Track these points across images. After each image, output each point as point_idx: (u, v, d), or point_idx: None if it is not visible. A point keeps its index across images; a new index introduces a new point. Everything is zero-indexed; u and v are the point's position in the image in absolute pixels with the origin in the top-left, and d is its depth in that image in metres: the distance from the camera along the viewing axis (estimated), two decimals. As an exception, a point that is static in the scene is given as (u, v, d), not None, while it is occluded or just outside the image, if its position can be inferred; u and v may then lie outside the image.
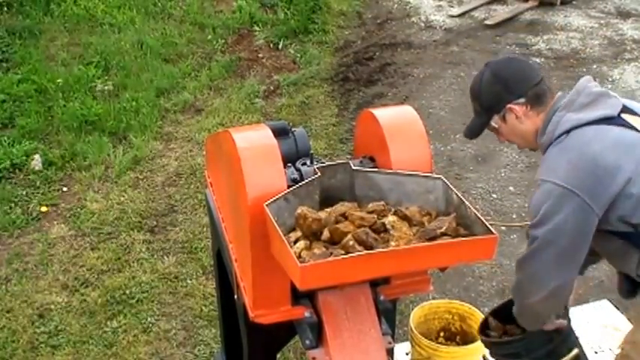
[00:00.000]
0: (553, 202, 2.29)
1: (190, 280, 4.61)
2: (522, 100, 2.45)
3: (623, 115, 2.40)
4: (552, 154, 2.38)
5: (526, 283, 2.45)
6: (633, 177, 2.28)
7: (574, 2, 8.80)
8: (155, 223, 5.14)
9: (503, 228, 4.86)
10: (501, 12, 8.49)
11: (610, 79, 6.92)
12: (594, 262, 2.77)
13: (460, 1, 8.86)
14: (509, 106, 2.46)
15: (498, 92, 2.48)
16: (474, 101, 2.57)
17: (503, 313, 2.73)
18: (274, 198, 2.21)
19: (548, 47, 7.61)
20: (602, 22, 8.27)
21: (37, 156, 5.74)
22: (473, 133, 2.63)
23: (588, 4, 8.77)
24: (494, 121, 2.52)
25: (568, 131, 2.36)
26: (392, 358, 2.55)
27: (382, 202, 2.35)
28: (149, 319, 4.33)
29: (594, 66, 7.22)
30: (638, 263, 2.42)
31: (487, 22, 8.19)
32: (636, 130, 2.37)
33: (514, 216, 5.09)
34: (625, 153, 2.31)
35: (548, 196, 2.30)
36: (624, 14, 8.44)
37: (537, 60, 7.29)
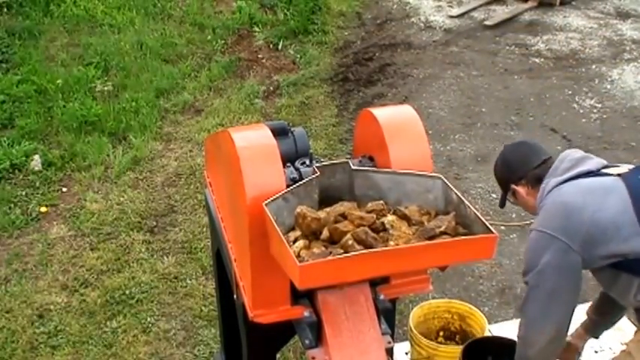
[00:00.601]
0: (535, 247, 2.57)
1: (190, 280, 4.61)
2: (523, 181, 2.74)
3: (605, 170, 2.66)
4: (538, 214, 2.66)
5: (529, 332, 2.63)
6: (598, 210, 2.51)
7: (573, 3, 8.81)
8: (155, 223, 5.15)
9: (502, 228, 4.86)
10: (501, 12, 8.50)
11: (609, 80, 6.92)
12: (608, 323, 3.05)
13: (460, 1, 8.86)
14: (512, 186, 2.78)
15: (504, 175, 2.83)
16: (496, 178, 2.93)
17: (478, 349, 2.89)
18: (273, 197, 2.20)
19: (547, 48, 7.61)
20: (601, 22, 8.28)
21: (36, 156, 5.74)
22: (501, 204, 2.95)
23: (587, 5, 8.78)
24: (509, 196, 2.84)
25: (549, 191, 2.63)
26: (391, 357, 2.55)
27: (381, 202, 2.35)
28: (149, 319, 4.33)
29: (593, 66, 7.22)
30: (637, 289, 2.56)
31: (486, 22, 8.19)
32: (613, 175, 2.61)
33: (513, 215, 5.08)
34: (590, 193, 2.56)
35: (531, 243, 2.60)
36: (623, 15, 8.44)
37: (536, 60, 7.30)
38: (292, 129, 2.67)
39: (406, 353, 3.40)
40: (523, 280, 2.63)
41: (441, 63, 7.29)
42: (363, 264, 2.01)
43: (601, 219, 2.50)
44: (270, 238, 2.17)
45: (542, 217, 2.60)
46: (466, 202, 2.24)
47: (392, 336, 2.50)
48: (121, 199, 5.37)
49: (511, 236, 4.88)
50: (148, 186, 5.55)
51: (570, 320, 2.63)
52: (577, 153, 2.73)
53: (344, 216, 2.27)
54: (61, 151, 5.87)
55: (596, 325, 3.03)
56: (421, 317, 3.33)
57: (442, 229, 2.21)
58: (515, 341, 2.88)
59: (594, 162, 2.69)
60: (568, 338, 2.85)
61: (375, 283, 2.42)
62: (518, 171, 2.78)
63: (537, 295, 2.56)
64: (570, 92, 6.70)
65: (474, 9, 8.59)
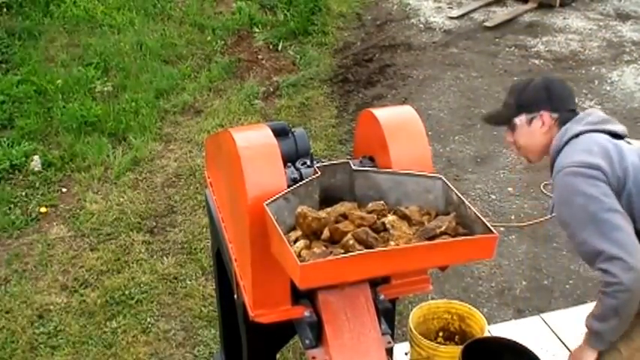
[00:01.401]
0: (576, 182, 2.45)
1: (190, 280, 4.61)
2: (555, 114, 2.66)
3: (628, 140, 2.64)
4: (563, 153, 2.56)
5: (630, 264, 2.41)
6: (630, 172, 2.48)
7: (573, 4, 8.82)
8: (154, 223, 5.15)
9: (501, 229, 4.87)
10: (500, 14, 8.50)
11: (609, 81, 6.93)
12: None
13: (459, 2, 8.87)
14: (542, 112, 2.67)
15: (541, 97, 2.68)
16: (512, 95, 2.77)
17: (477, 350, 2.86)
18: (274, 197, 2.21)
19: (547, 49, 7.62)
20: (601, 24, 8.28)
21: (36, 157, 5.74)
22: (495, 120, 2.89)
23: (587, 6, 8.79)
24: (520, 119, 2.71)
25: (577, 135, 2.58)
26: (391, 357, 2.55)
27: (382, 202, 2.36)
28: (148, 319, 4.33)
29: (593, 68, 7.23)
30: None
31: (486, 23, 8.20)
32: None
33: (512, 217, 5.09)
34: (625, 152, 2.52)
35: (570, 178, 2.47)
36: (623, 16, 8.45)
37: (536, 62, 7.30)
38: (293, 129, 2.68)
39: (406, 353, 3.40)
40: (560, 220, 2.55)
41: (441, 64, 7.30)
42: (363, 264, 2.01)
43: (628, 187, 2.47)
44: (271, 237, 2.17)
45: (580, 154, 2.50)
46: (466, 202, 2.24)
47: (392, 336, 2.50)
48: (121, 199, 5.37)
49: (510, 237, 4.89)
50: (148, 187, 5.56)
51: None
52: (602, 113, 2.71)
53: (345, 216, 2.28)
54: (60, 152, 5.87)
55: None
56: (421, 318, 3.33)
57: (442, 229, 2.21)
58: (515, 342, 2.89)
59: (621, 127, 2.66)
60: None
61: (375, 284, 2.42)
62: (557, 102, 2.69)
63: (607, 221, 2.41)
64: (570, 93, 6.70)
65: (474, 10, 8.60)
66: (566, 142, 2.60)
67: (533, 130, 2.69)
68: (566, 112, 2.66)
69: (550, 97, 2.68)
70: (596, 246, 2.42)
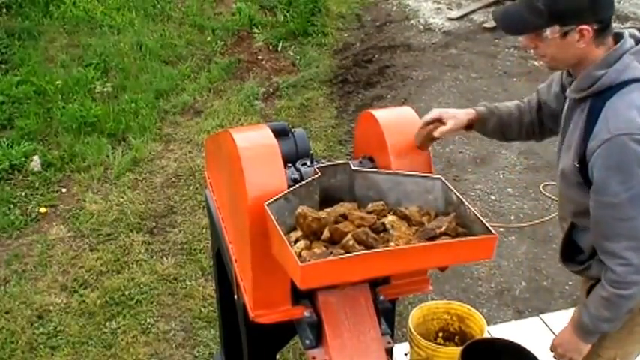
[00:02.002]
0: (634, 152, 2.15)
1: (189, 281, 4.61)
2: (596, 26, 2.18)
3: None
4: (621, 100, 2.19)
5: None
6: None
7: (572, 5, 8.80)
8: (154, 224, 5.15)
9: (501, 229, 4.87)
10: (500, 15, 8.50)
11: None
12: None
13: (459, 4, 8.87)
14: (584, 26, 2.17)
15: (583, 8, 2.16)
16: None
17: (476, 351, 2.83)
18: (274, 198, 2.21)
19: (546, 50, 7.62)
20: None
21: (36, 157, 5.74)
22: (516, 29, 2.33)
23: (587, 8, 8.77)
24: (552, 32, 2.20)
25: (636, 80, 2.20)
26: (391, 357, 2.56)
27: (381, 202, 2.36)
28: (148, 320, 4.33)
29: (593, 69, 7.23)
30: None
31: (486, 25, 8.19)
32: None
33: (512, 217, 5.10)
34: None
35: (631, 149, 2.15)
36: (622, 18, 8.45)
37: (536, 63, 7.30)
38: (293, 130, 2.69)
39: (405, 354, 3.40)
40: (603, 185, 2.22)
41: (441, 65, 7.30)
42: (364, 264, 2.02)
43: None
44: (271, 238, 2.18)
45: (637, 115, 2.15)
46: (466, 202, 2.25)
47: (392, 336, 2.51)
48: (121, 200, 5.37)
49: (510, 238, 4.89)
50: (148, 187, 5.56)
51: None
52: None
53: (345, 216, 2.29)
54: (60, 152, 5.87)
55: None
56: (420, 318, 3.34)
57: (442, 229, 2.22)
58: (514, 343, 2.89)
59: None
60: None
61: (375, 284, 2.43)
62: (602, 12, 2.19)
63: None
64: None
65: (474, 11, 8.60)
66: (625, 83, 2.20)
67: (568, 44, 2.21)
68: (609, 19, 2.21)
69: (593, 5, 2.16)
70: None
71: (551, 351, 2.69)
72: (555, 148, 2.53)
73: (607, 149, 2.18)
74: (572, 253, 2.57)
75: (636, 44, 2.26)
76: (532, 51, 2.35)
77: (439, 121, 2.56)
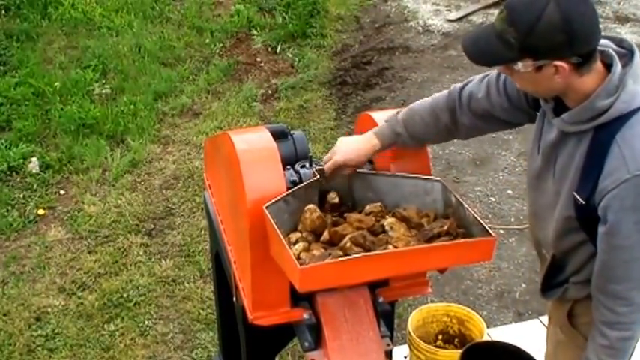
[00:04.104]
0: None
1: (188, 283, 4.60)
2: (575, 60, 1.98)
3: None
4: (634, 142, 2.03)
5: None
6: None
7: (572, 7, 8.79)
8: (153, 226, 5.14)
9: (501, 231, 4.87)
10: (499, 16, 8.49)
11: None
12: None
13: (458, 5, 8.86)
14: (558, 62, 1.98)
15: (558, 44, 1.95)
16: (515, 31, 1.96)
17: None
18: (274, 200, 2.21)
19: (545, 52, 7.62)
20: (600, 26, 8.27)
21: (34, 159, 5.73)
22: (485, 60, 2.12)
23: (586, 9, 8.77)
24: (524, 65, 2.01)
25: None
26: (390, 360, 2.55)
27: (379, 203, 2.36)
28: (146, 322, 4.32)
29: (592, 70, 7.22)
30: None
31: (485, 26, 8.19)
32: None
33: (512, 219, 5.09)
34: None
35: None
36: (622, 19, 8.45)
37: (535, 64, 7.31)
38: (292, 132, 2.68)
39: (405, 357, 3.40)
40: (619, 225, 2.07)
41: (440, 67, 7.29)
42: (363, 266, 2.01)
43: None
44: (270, 240, 2.17)
45: None
46: (465, 204, 2.24)
47: (391, 338, 2.50)
48: (119, 202, 5.36)
49: (510, 240, 4.88)
50: (146, 189, 5.55)
51: None
52: None
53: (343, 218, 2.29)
54: (58, 154, 5.85)
55: None
56: (420, 321, 3.33)
57: (441, 231, 2.21)
58: (514, 346, 2.88)
59: None
60: None
61: (374, 286, 2.42)
62: (580, 47, 1.97)
63: None
64: (568, 96, 6.70)
65: (473, 13, 8.59)
66: (633, 112, 2.04)
67: (544, 76, 2.02)
68: (590, 51, 2.01)
69: (571, 41, 1.94)
70: None
71: None
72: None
73: (625, 190, 2.02)
74: (551, 278, 2.46)
75: (619, 58, 2.09)
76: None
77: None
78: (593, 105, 2.05)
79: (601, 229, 2.13)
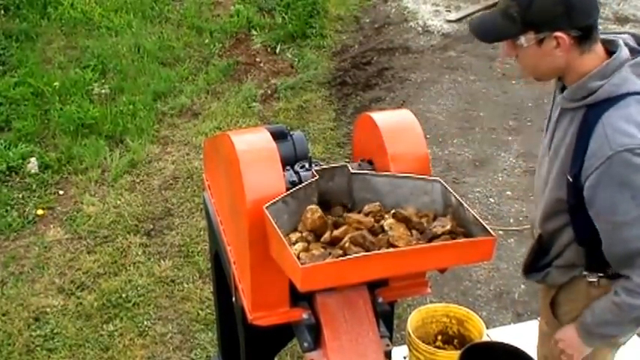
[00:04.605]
0: None
1: (187, 283, 4.60)
2: (575, 33, 2.12)
3: None
4: (619, 115, 2.12)
5: None
6: None
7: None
8: (152, 226, 5.13)
9: (500, 232, 4.86)
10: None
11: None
12: None
13: (457, 6, 8.86)
14: (558, 33, 2.11)
15: (557, 14, 2.09)
16: (517, 5, 2.13)
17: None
18: (273, 200, 2.20)
19: (545, 52, 7.62)
20: (600, 27, 8.26)
21: (33, 159, 5.73)
22: (490, 36, 2.27)
23: (585, 10, 8.76)
24: (526, 39, 2.15)
25: (634, 93, 2.14)
26: (390, 361, 2.54)
27: (378, 203, 2.36)
28: (145, 322, 4.32)
29: (591, 71, 7.22)
30: None
31: (484, 27, 8.19)
32: None
33: (511, 220, 5.09)
34: None
35: (635, 164, 2.08)
36: (622, 20, 8.45)
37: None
38: (291, 132, 2.68)
39: (404, 357, 3.39)
40: (603, 202, 2.14)
41: (439, 67, 7.29)
42: (365, 266, 2.01)
43: None
44: (270, 240, 2.17)
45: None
46: (465, 204, 2.24)
47: (390, 339, 2.50)
48: (118, 202, 5.36)
49: (509, 241, 4.88)
50: (145, 189, 5.54)
51: None
52: None
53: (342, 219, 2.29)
54: (57, 154, 5.85)
55: None
56: (419, 321, 3.32)
57: (441, 231, 2.21)
58: (513, 347, 2.88)
59: None
60: None
61: (373, 286, 2.42)
62: (579, 18, 2.11)
63: None
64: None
65: (472, 14, 8.59)
66: (622, 96, 2.14)
67: (545, 52, 2.16)
68: (590, 25, 2.15)
69: (569, 11, 2.09)
70: None
71: (554, 343, 2.66)
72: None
73: (610, 166, 2.10)
74: (535, 260, 2.53)
75: (631, 52, 2.21)
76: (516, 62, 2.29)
77: None
78: (586, 84, 2.17)
79: (592, 211, 2.19)
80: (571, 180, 2.22)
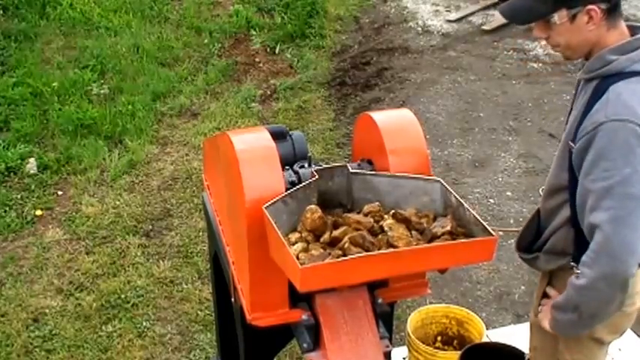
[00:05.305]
0: (633, 143, 2.07)
1: (186, 284, 4.59)
2: (605, 5, 2.18)
3: None
4: (621, 92, 2.15)
5: (618, 248, 2.10)
6: None
7: (571, 8, 8.78)
8: (151, 227, 5.12)
9: (500, 233, 4.85)
10: (499, 17, 8.49)
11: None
12: None
13: (457, 6, 8.86)
14: (591, 6, 2.15)
15: None
16: None
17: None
18: (273, 200, 2.19)
19: (545, 53, 7.60)
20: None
21: (32, 159, 5.71)
22: (522, 18, 2.30)
23: (585, 10, 8.76)
24: (560, 17, 2.18)
25: None
26: (389, 362, 2.53)
27: (377, 203, 2.35)
28: (144, 323, 4.30)
29: (591, 71, 7.21)
30: None
31: (484, 27, 8.19)
32: None
33: (511, 221, 5.08)
34: None
35: (629, 136, 2.08)
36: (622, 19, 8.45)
37: (535, 65, 7.29)
38: (291, 132, 2.67)
39: (404, 358, 3.38)
40: (591, 184, 2.12)
41: (439, 68, 7.28)
42: (365, 266, 2.00)
43: None
44: (270, 241, 2.16)
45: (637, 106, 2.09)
46: (465, 204, 2.23)
47: (390, 340, 2.49)
48: (117, 202, 5.34)
49: (509, 242, 4.86)
50: (144, 190, 5.53)
51: None
52: None
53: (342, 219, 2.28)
54: (56, 155, 5.84)
55: None
56: (419, 322, 3.32)
57: (442, 231, 2.20)
58: (513, 348, 2.87)
59: None
60: None
61: (373, 287, 2.41)
62: None
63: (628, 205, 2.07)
64: (568, 97, 6.69)
65: (472, 14, 8.59)
66: (635, 73, 2.17)
67: (578, 28, 2.19)
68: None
69: None
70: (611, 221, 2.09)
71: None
72: (554, 151, 2.47)
73: (598, 132, 2.12)
74: (532, 238, 2.50)
75: None
76: (544, 41, 2.32)
77: None
78: (604, 56, 2.21)
79: (580, 176, 2.18)
80: (573, 146, 2.22)
